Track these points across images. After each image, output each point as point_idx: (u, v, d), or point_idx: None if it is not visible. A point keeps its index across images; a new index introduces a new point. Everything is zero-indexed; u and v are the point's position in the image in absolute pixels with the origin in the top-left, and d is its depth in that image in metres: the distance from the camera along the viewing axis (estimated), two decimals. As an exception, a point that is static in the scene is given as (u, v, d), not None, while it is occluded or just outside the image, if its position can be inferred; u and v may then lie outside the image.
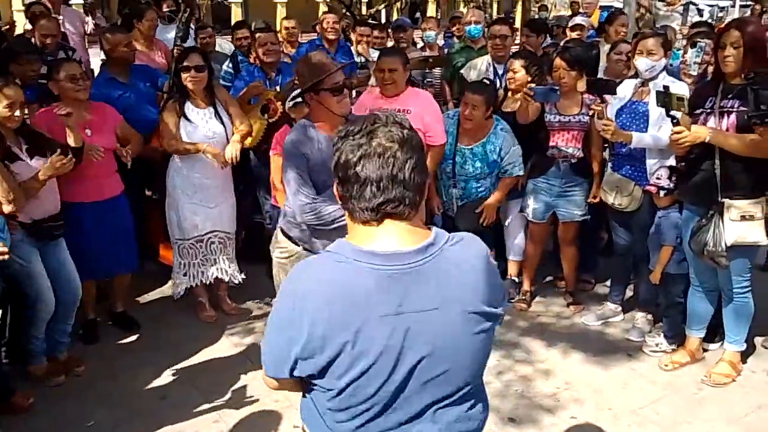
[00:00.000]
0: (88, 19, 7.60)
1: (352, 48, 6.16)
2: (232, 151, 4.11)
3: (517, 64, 4.39)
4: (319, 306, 1.46)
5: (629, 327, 4.28)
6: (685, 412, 3.47)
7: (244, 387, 3.64)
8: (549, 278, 5.03)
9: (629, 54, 4.35)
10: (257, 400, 3.52)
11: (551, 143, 4.28)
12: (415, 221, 1.54)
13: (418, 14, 23.55)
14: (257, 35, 5.05)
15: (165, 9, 6.23)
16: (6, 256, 2.87)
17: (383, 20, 15.43)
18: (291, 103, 4.19)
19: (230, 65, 5.47)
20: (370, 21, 8.01)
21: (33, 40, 5.18)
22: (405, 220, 1.51)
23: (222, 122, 4.17)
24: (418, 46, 7.07)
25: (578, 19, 6.66)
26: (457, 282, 1.51)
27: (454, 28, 8.08)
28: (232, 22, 8.34)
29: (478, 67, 5.21)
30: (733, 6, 22.13)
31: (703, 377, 3.72)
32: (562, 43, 5.64)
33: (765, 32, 3.37)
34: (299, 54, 5.83)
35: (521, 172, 4.34)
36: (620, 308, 4.45)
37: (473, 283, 1.53)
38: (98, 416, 3.41)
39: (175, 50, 4.87)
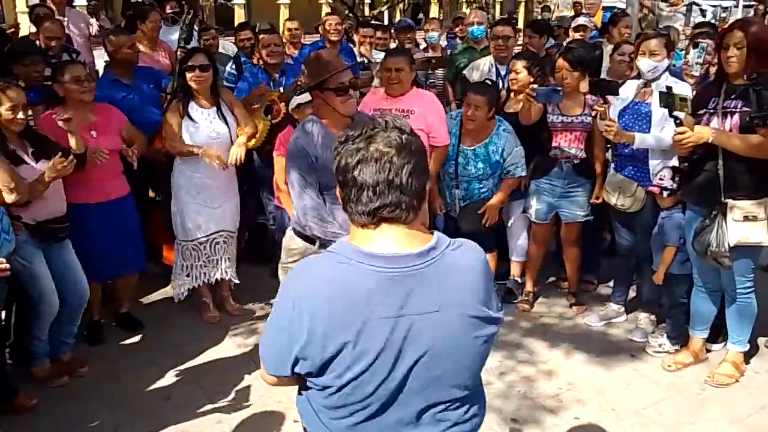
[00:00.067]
0: (92, 20, 7.62)
1: (355, 49, 6.16)
2: (237, 153, 4.12)
3: (520, 65, 4.40)
4: (320, 305, 1.47)
5: (632, 327, 4.28)
6: (688, 412, 3.46)
7: (248, 387, 3.65)
8: (552, 279, 5.03)
9: (632, 55, 4.35)
10: (260, 401, 3.53)
11: (554, 144, 4.29)
12: (415, 225, 1.55)
13: (420, 15, 23.55)
14: (261, 37, 5.06)
15: (168, 10, 6.24)
16: (7, 273, 2.89)
17: (386, 21, 15.44)
18: (294, 104, 4.21)
19: (233, 66, 5.49)
20: (373, 22, 8.00)
21: (37, 42, 5.19)
22: (403, 224, 1.53)
23: (226, 123, 4.18)
24: (421, 47, 7.07)
25: (581, 20, 6.66)
26: (457, 286, 1.53)
27: (457, 29, 8.07)
28: (235, 24, 8.35)
29: (481, 68, 5.22)
30: (737, 6, 22.06)
31: (707, 378, 3.72)
32: (564, 44, 5.65)
33: (768, 33, 3.37)
34: (302, 55, 5.83)
35: (524, 173, 4.34)
36: (623, 309, 4.45)
37: (473, 287, 1.55)
38: (101, 417, 3.42)
39: (178, 52, 4.88)
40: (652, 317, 4.27)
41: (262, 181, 4.83)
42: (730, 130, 3.35)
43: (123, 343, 4.18)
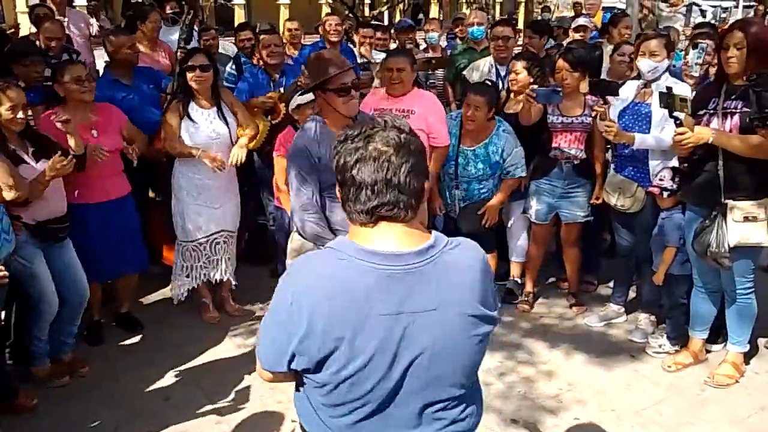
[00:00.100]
0: (93, 21, 7.61)
1: (355, 50, 6.16)
2: (238, 155, 4.13)
3: (520, 65, 4.40)
4: (319, 301, 1.48)
5: (632, 328, 4.28)
6: (688, 413, 3.47)
7: (248, 388, 3.65)
8: (552, 279, 5.03)
9: (632, 55, 4.35)
10: (260, 401, 3.53)
11: (554, 144, 4.29)
12: (414, 224, 1.56)
13: (420, 15, 23.56)
14: (261, 37, 5.05)
15: (168, 11, 6.24)
16: (5, 281, 2.90)
17: (386, 22, 15.44)
18: (294, 104, 4.21)
19: (233, 67, 5.49)
20: (373, 23, 8.00)
21: (37, 42, 5.19)
22: (401, 222, 1.53)
23: (226, 123, 4.18)
24: (421, 47, 7.08)
25: (581, 21, 6.66)
26: (455, 284, 1.53)
27: (457, 30, 8.07)
28: (235, 24, 8.34)
29: (481, 69, 5.22)
30: (737, 7, 22.07)
31: (706, 378, 3.72)
32: (565, 44, 5.64)
33: (768, 33, 3.37)
34: (302, 56, 5.83)
35: (524, 174, 4.34)
36: (623, 309, 4.45)
37: (471, 286, 1.55)
38: (101, 417, 3.42)
39: (178, 52, 4.89)
40: (652, 318, 4.27)
41: (262, 181, 4.83)
42: (730, 131, 3.35)
43: (123, 343, 4.18)
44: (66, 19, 6.23)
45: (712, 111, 3.44)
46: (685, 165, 3.61)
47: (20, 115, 3.28)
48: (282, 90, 4.80)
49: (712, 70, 4.02)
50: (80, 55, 5.56)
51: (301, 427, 1.74)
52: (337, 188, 1.59)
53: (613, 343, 4.19)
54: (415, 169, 1.51)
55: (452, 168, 4.34)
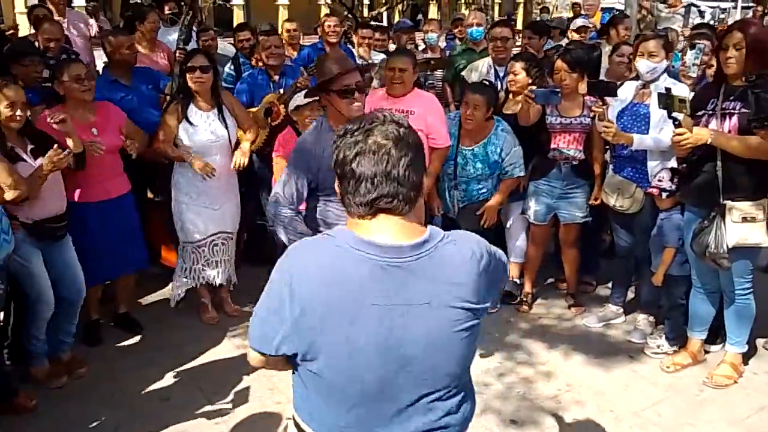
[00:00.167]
0: (92, 21, 7.61)
1: (354, 51, 6.16)
2: (241, 160, 4.15)
3: (518, 66, 4.40)
4: (313, 287, 1.50)
5: (631, 329, 4.29)
6: (686, 413, 3.47)
7: (247, 388, 3.65)
8: (550, 280, 5.04)
9: (631, 56, 4.36)
10: (259, 402, 3.53)
11: (552, 145, 4.29)
12: (411, 218, 1.58)
13: (419, 16, 23.57)
14: (261, 38, 5.05)
15: (167, 11, 6.24)
16: None
17: (385, 22, 15.45)
18: (293, 105, 4.21)
19: (232, 67, 5.49)
20: (372, 23, 8.01)
21: (36, 43, 5.19)
22: (399, 215, 1.55)
23: (225, 125, 4.18)
24: (420, 48, 7.08)
25: (580, 21, 6.67)
26: (449, 279, 1.54)
27: (455, 30, 8.08)
28: (234, 25, 8.34)
29: (479, 69, 5.22)
30: (735, 8, 22.11)
31: (705, 379, 3.72)
32: (563, 43, 5.64)
33: (767, 34, 3.38)
34: (301, 57, 5.84)
35: (522, 173, 4.34)
36: (622, 310, 4.45)
37: (466, 279, 1.56)
38: (101, 417, 3.42)
39: (177, 53, 4.88)
40: (651, 318, 4.28)
41: (261, 182, 4.83)
42: (729, 132, 3.35)
43: (122, 344, 4.17)
44: (65, 20, 6.22)
45: (710, 112, 3.45)
46: (684, 166, 3.62)
47: (19, 113, 3.27)
48: (282, 91, 4.80)
49: (709, 71, 4.02)
50: (79, 56, 5.56)
51: (294, 420, 1.74)
52: (336, 182, 1.61)
53: (611, 343, 4.20)
54: (413, 163, 1.54)
55: (451, 168, 4.34)
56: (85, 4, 15.96)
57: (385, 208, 1.53)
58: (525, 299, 4.65)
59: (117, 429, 3.34)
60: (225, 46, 6.40)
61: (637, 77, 4.07)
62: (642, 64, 3.91)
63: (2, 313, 3.67)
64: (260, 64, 5.14)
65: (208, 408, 3.49)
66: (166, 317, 4.46)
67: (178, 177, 4.22)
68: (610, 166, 4.22)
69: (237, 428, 3.36)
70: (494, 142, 4.26)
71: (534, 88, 4.20)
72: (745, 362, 3.84)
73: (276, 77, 4.93)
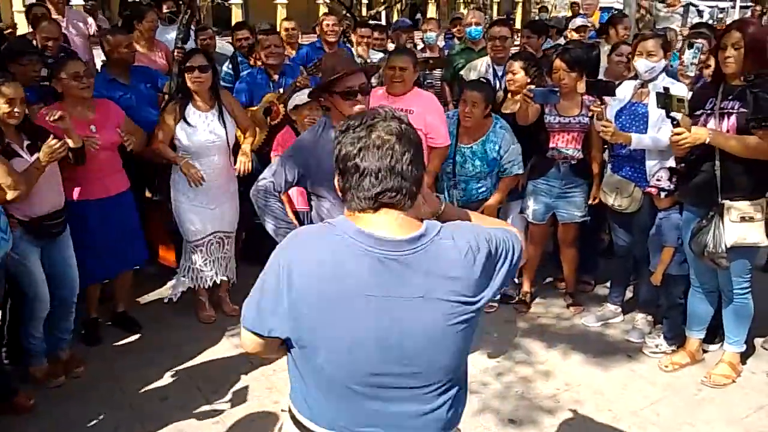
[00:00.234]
0: (90, 20, 7.59)
1: (353, 50, 6.16)
2: (246, 165, 4.18)
3: (517, 65, 4.40)
4: (310, 274, 1.52)
5: (629, 328, 4.29)
6: (685, 413, 3.47)
7: (245, 388, 3.65)
8: (549, 279, 5.04)
9: (629, 55, 4.36)
10: (258, 401, 3.54)
11: (551, 145, 4.29)
12: (411, 213, 1.60)
13: (418, 15, 23.57)
14: (261, 37, 5.04)
15: (165, 10, 6.23)
16: None
17: (383, 22, 15.44)
18: (292, 105, 4.21)
19: (230, 66, 5.48)
20: (370, 22, 8.00)
21: (34, 42, 5.18)
22: (401, 209, 1.57)
23: (224, 125, 4.17)
24: (419, 47, 7.08)
25: (579, 20, 6.67)
26: (444, 273, 1.55)
27: (454, 30, 8.08)
28: (233, 24, 8.33)
29: (478, 69, 5.22)
30: (733, 7, 22.14)
31: (703, 378, 3.73)
32: (562, 41, 5.64)
33: (766, 34, 3.38)
34: (299, 56, 5.84)
35: (521, 171, 4.34)
36: (620, 309, 4.46)
37: (462, 273, 1.56)
38: (100, 417, 3.42)
39: (175, 52, 4.88)
40: (649, 318, 4.28)
41: (260, 181, 4.81)
42: (727, 131, 3.35)
43: (120, 343, 4.17)
44: (64, 19, 6.22)
45: (709, 111, 3.45)
46: (682, 165, 3.62)
47: (17, 109, 3.27)
48: (281, 90, 4.80)
49: (707, 71, 4.02)
50: (77, 55, 5.56)
51: (291, 413, 1.77)
52: (336, 178, 1.63)
53: (610, 343, 4.20)
54: (415, 159, 1.57)
55: (450, 167, 4.34)
56: (84, 3, 15.92)
57: (389, 202, 1.55)
58: (523, 299, 4.65)
59: (116, 428, 3.34)
60: (223, 45, 6.40)
61: (636, 76, 4.07)
62: (640, 64, 3.92)
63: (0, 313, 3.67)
64: (259, 63, 5.13)
65: (206, 407, 3.49)
66: (164, 317, 4.46)
67: (177, 176, 4.21)
68: (609, 166, 4.22)
69: (235, 427, 3.36)
70: (493, 140, 4.25)
71: (533, 87, 4.20)
72: (744, 362, 3.85)
73: (276, 76, 4.92)
